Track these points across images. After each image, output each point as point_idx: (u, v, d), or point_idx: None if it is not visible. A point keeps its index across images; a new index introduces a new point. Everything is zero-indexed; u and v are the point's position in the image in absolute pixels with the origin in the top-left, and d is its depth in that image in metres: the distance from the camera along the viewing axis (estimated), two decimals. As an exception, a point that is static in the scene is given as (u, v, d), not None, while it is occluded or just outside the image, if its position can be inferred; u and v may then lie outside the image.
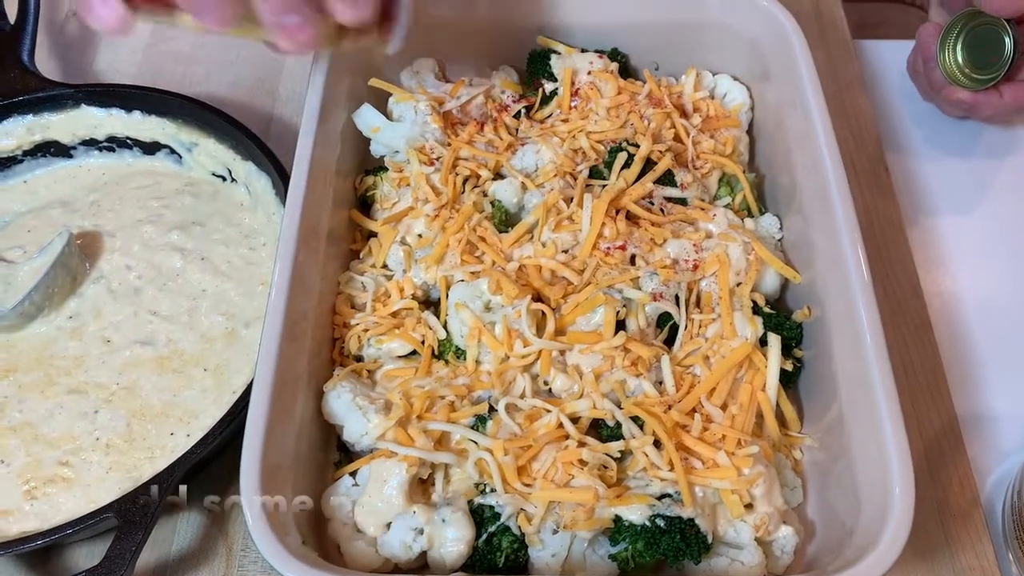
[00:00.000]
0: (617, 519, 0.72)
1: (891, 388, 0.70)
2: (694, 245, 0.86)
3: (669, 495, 0.73)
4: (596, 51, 1.00)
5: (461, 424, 0.76)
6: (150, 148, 1.04)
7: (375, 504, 0.74)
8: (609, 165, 0.90)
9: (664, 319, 0.83)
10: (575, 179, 0.89)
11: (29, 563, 0.81)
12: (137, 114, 1.02)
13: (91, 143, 1.04)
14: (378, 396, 0.79)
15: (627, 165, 0.89)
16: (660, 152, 0.91)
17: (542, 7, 1.00)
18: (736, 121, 0.98)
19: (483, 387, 0.79)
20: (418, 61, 1.00)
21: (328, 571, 0.65)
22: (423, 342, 0.83)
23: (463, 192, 0.90)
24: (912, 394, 0.91)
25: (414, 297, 0.85)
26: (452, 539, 0.72)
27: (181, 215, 1.00)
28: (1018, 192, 1.08)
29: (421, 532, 0.73)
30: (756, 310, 0.84)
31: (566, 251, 0.85)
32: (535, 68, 1.01)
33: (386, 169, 0.93)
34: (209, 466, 0.85)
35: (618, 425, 0.76)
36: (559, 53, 1.00)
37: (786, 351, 0.82)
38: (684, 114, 0.97)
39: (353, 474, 0.77)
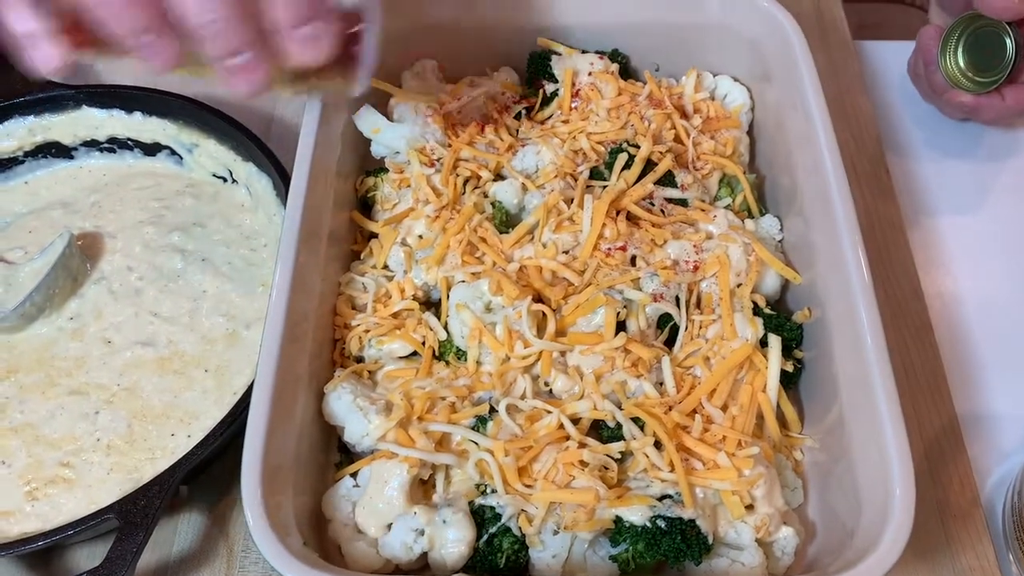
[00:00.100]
0: (618, 520, 0.72)
1: (892, 390, 0.70)
2: (694, 246, 0.86)
3: (670, 496, 0.73)
4: (597, 52, 1.00)
5: (462, 425, 0.76)
6: (151, 149, 1.04)
7: (376, 505, 0.74)
8: (609, 166, 0.90)
9: (665, 320, 0.83)
10: (576, 180, 0.89)
11: (30, 564, 0.82)
12: (138, 115, 1.02)
13: (92, 144, 1.04)
14: (379, 397, 0.79)
15: (627, 166, 0.89)
16: (660, 153, 0.91)
17: (543, 8, 1.00)
18: (736, 122, 0.98)
19: (484, 388, 0.79)
20: (419, 62, 1.00)
21: (329, 572, 0.65)
22: (424, 343, 0.83)
23: (464, 193, 0.90)
24: (913, 395, 0.91)
25: (415, 298, 0.85)
26: (453, 540, 0.72)
27: (182, 216, 1.00)
28: (1019, 194, 1.08)
29: (422, 533, 0.73)
30: (756, 311, 0.84)
31: (567, 252, 0.85)
32: (536, 69, 1.01)
33: (387, 170, 0.93)
34: (210, 467, 0.85)
35: (619, 426, 0.76)
36: (560, 54, 1.00)
37: (787, 352, 0.82)
38: (684, 115, 0.97)
39: (354, 475, 0.77)
